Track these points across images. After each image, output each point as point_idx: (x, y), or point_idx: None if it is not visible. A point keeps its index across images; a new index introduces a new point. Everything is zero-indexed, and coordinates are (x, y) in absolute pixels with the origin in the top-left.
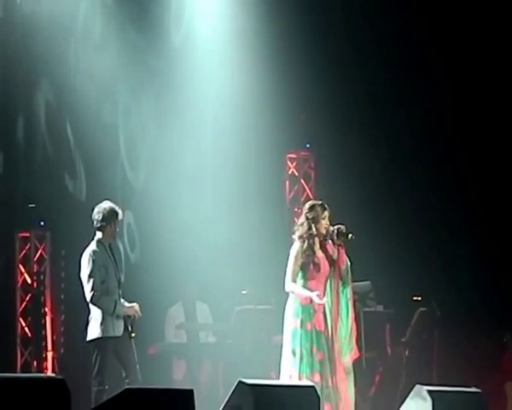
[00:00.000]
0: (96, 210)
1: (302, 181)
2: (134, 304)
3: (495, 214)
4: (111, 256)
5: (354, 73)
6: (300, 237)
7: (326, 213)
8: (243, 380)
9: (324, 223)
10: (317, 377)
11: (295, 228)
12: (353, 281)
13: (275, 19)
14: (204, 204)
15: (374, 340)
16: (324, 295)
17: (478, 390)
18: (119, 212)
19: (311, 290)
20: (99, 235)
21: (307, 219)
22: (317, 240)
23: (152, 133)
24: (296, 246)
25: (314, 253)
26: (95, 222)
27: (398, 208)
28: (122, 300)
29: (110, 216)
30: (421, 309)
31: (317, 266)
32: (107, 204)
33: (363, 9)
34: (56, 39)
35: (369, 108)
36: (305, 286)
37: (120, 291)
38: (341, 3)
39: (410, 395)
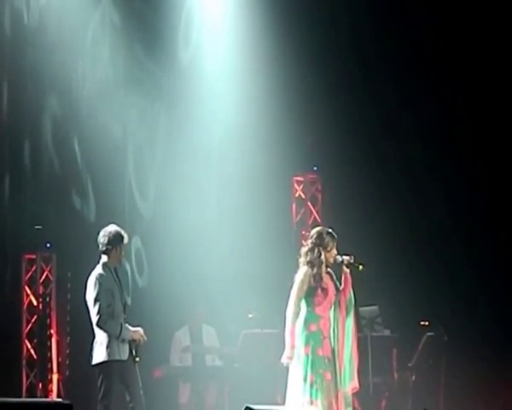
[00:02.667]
0: (101, 234)
1: (309, 204)
2: (139, 328)
3: (504, 240)
4: (117, 280)
5: (362, 94)
6: (309, 262)
7: (335, 243)
8: (250, 406)
9: (333, 253)
10: (333, 402)
11: (302, 252)
12: (361, 306)
13: (282, 42)
14: (211, 228)
15: (380, 365)
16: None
17: None
18: (125, 235)
19: (319, 316)
20: (104, 258)
21: (317, 245)
22: (323, 267)
23: (159, 157)
24: (303, 271)
25: (322, 279)
26: (100, 245)
27: (406, 232)
28: (127, 324)
29: (116, 240)
30: (428, 334)
31: (325, 291)
32: (112, 228)
33: (371, 30)
34: (64, 58)
35: (377, 130)
36: (312, 312)
37: (125, 315)
38: (349, 25)
39: None
